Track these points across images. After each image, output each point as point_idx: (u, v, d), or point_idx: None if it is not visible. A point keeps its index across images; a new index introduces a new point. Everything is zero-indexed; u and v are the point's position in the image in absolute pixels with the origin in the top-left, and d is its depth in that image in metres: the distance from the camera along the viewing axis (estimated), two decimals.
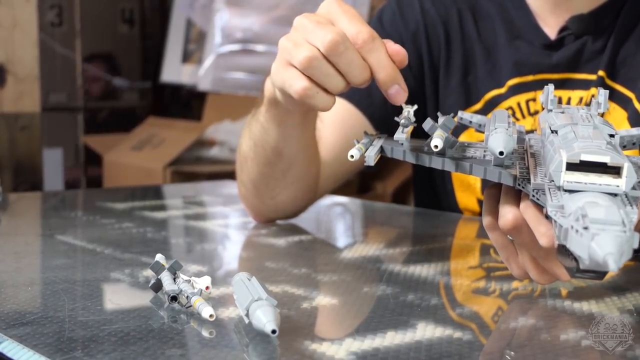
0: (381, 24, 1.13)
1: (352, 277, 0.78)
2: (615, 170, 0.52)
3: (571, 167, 0.53)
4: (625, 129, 0.67)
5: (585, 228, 0.46)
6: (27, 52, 2.62)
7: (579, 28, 1.04)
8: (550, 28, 1.06)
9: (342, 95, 1.08)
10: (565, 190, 0.53)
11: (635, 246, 0.46)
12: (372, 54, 0.72)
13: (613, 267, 0.43)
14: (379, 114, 1.07)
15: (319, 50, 0.73)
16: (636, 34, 1.03)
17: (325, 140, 1.04)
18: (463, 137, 1.07)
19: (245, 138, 0.98)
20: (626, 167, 0.52)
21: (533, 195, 0.57)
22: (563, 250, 0.49)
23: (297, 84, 0.74)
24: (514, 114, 1.05)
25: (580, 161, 0.52)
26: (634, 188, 0.53)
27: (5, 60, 2.58)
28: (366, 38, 0.72)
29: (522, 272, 0.66)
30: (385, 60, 0.72)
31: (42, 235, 1.00)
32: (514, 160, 0.62)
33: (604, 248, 0.44)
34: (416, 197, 1.22)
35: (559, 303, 0.67)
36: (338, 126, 1.07)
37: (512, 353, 0.56)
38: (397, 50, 0.73)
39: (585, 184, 0.52)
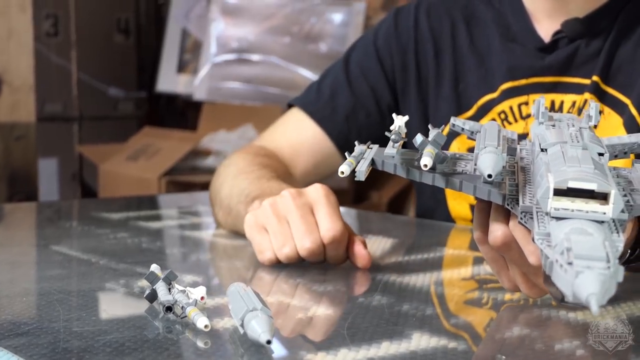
0: (375, 36, 1.16)
1: (347, 287, 0.78)
2: (603, 196, 0.52)
3: (558, 192, 0.53)
4: (617, 136, 0.68)
5: (570, 264, 0.45)
6: (22, 62, 2.62)
7: (573, 31, 1.05)
8: (546, 32, 1.07)
9: (312, 117, 1.15)
10: (553, 217, 0.52)
11: (620, 280, 0.46)
12: (334, 252, 0.82)
13: (595, 310, 0.43)
14: (339, 131, 1.14)
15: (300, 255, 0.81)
16: (632, 40, 1.04)
17: (299, 169, 1.13)
18: (456, 143, 1.08)
19: (227, 192, 1.01)
20: (613, 195, 0.52)
21: (521, 219, 0.57)
22: (550, 280, 0.49)
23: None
24: (506, 118, 1.07)
25: (568, 188, 0.52)
26: (622, 211, 0.53)
27: (1, 70, 2.58)
28: (337, 237, 0.80)
29: (513, 285, 0.67)
30: (342, 255, 0.82)
31: (37, 246, 1.00)
32: (503, 176, 0.62)
33: (587, 288, 0.44)
34: (418, 202, 1.23)
35: (553, 312, 0.67)
36: (309, 154, 1.15)
37: (504, 357, 0.56)
38: (363, 255, 0.82)
39: (573, 210, 0.52)
